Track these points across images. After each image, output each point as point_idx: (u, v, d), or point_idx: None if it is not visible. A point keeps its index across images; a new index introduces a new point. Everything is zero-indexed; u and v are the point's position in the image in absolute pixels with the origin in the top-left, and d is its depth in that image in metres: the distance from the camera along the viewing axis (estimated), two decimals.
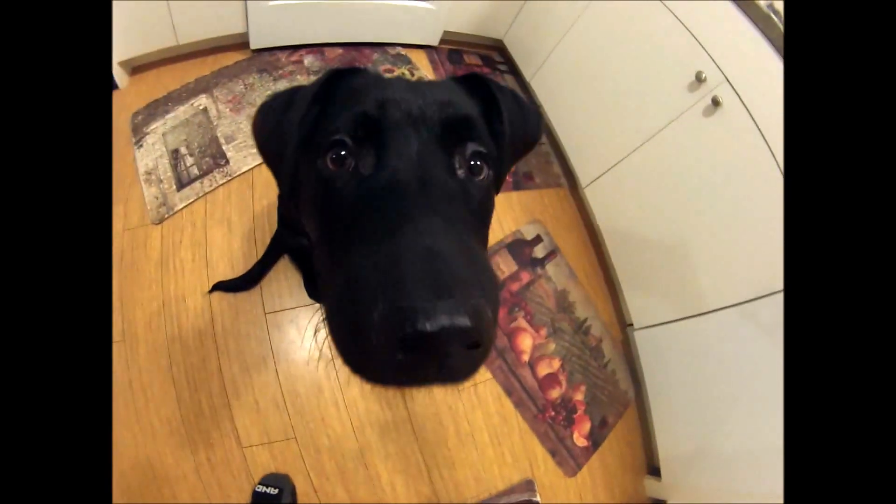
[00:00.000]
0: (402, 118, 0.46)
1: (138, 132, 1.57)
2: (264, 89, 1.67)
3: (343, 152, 0.46)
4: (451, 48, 1.97)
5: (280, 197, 1.24)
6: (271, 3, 1.61)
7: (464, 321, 0.31)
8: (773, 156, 1.07)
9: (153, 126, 1.59)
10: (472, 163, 0.48)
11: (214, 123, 1.60)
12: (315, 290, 1.37)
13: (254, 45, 1.72)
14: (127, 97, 1.65)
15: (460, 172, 0.47)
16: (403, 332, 0.31)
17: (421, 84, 0.53)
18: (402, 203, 0.39)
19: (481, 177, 0.49)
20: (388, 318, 0.31)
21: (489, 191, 0.51)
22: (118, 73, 1.64)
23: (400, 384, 0.37)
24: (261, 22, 1.67)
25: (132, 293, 1.32)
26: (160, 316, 1.30)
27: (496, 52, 2.06)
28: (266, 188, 1.50)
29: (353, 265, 0.37)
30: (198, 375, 1.26)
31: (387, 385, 0.38)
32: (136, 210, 1.43)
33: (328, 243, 0.46)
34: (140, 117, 1.60)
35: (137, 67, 1.71)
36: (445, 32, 1.93)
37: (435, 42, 1.92)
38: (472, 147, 0.48)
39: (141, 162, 1.51)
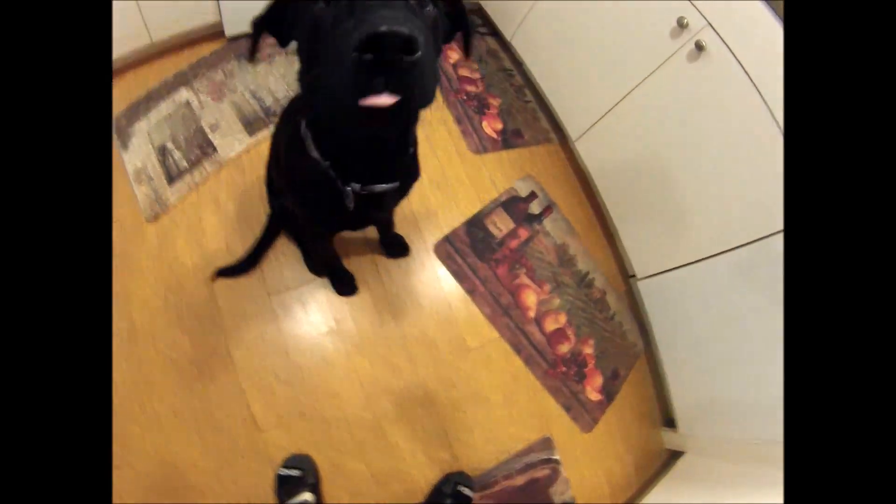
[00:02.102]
0: None
1: (122, 134, 1.57)
2: (244, 74, 1.66)
3: None
4: None
5: (268, 165, 1.25)
6: None
7: (404, 28, 0.46)
8: (762, 96, 1.06)
9: (137, 126, 1.58)
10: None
11: (198, 114, 1.59)
12: (315, 265, 1.37)
13: (228, 32, 1.70)
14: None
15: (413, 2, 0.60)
16: (363, 35, 0.46)
17: None
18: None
19: (427, 9, 0.63)
20: (352, 35, 0.48)
21: (436, 22, 0.65)
22: None
23: (364, 93, 0.51)
24: (233, 9, 1.65)
25: (134, 291, 1.33)
26: (165, 310, 1.32)
27: (475, 15, 2.03)
28: (253, 168, 1.50)
29: (333, 46, 0.53)
30: (209, 364, 1.28)
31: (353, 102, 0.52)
32: (129, 210, 1.44)
33: (311, 60, 0.64)
34: (123, 119, 1.60)
35: (115, 70, 1.69)
36: None
37: None
38: None
39: (129, 163, 1.51)
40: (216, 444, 1.22)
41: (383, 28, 0.46)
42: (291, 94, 1.52)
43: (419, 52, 0.49)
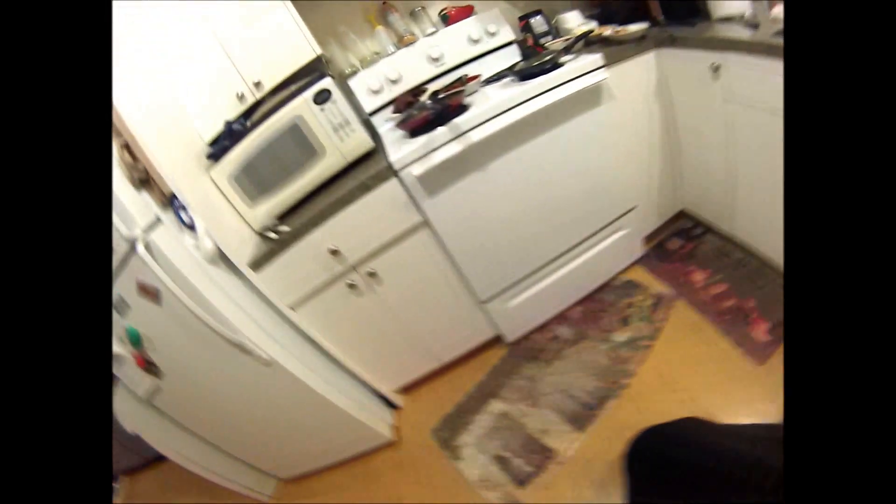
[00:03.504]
0: None
1: (449, 446, 1.85)
2: (544, 376, 1.91)
3: None
4: (652, 247, 2.14)
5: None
6: (511, 304, 1.95)
7: None
8: None
9: (462, 439, 1.86)
10: None
11: (521, 422, 1.81)
12: None
13: (510, 339, 2.05)
14: (411, 414, 2.04)
15: None
16: None
17: None
18: None
19: None
20: None
21: None
22: (393, 397, 2.04)
23: None
24: (509, 321, 2.01)
25: None
26: None
27: (684, 220, 2.20)
28: (598, 458, 1.63)
29: None
30: None
31: None
32: None
33: None
34: (443, 433, 1.90)
35: (408, 386, 2.11)
36: (643, 239, 2.14)
37: (640, 252, 2.13)
38: None
39: (468, 472, 1.75)
40: None
41: None
42: (600, 384, 1.79)
43: None
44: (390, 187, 1.62)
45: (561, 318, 2.06)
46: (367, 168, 1.73)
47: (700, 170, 1.98)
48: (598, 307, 2.02)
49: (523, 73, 1.74)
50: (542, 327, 2.07)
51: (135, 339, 1.52)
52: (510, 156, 1.68)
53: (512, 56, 2.16)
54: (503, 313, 1.97)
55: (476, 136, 1.58)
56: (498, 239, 1.81)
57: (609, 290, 2.06)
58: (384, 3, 2.11)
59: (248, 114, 1.83)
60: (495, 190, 1.71)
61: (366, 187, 1.61)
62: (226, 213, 1.74)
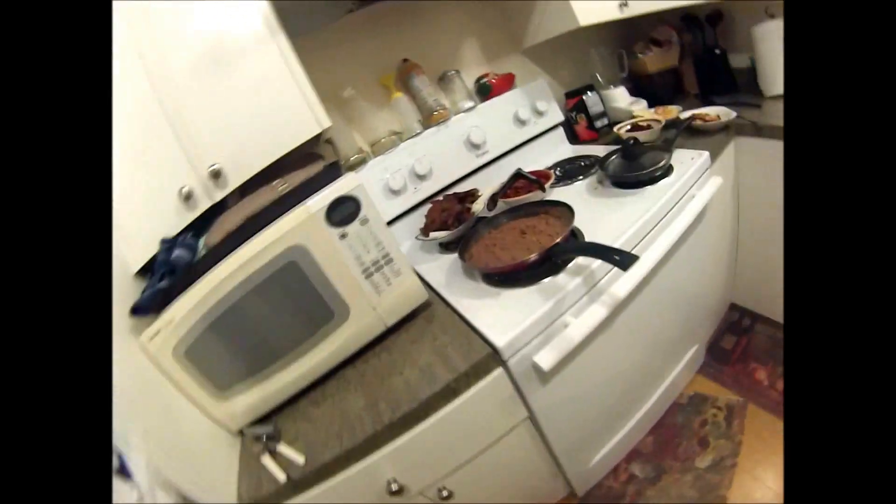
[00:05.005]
0: None
1: None
2: None
3: None
4: (708, 349, 1.89)
5: None
6: (591, 464, 1.55)
7: None
8: None
9: None
10: None
11: None
12: None
13: (581, 493, 1.63)
14: None
15: None
16: None
17: None
18: None
19: None
20: None
21: None
22: None
23: None
24: (583, 477, 1.59)
25: None
26: None
27: (734, 313, 1.99)
28: None
29: None
30: None
31: None
32: None
33: None
34: None
35: None
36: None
37: (702, 360, 1.84)
38: None
39: None
40: None
41: None
42: None
43: None
44: (489, 383, 1.03)
45: (633, 454, 1.70)
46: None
47: (751, 262, 1.79)
48: (671, 434, 1.71)
49: (624, 179, 1.29)
50: (613, 470, 1.69)
51: None
52: (636, 303, 1.23)
53: (557, 142, 1.69)
54: (582, 473, 1.54)
55: (621, 288, 1.09)
56: (596, 403, 1.37)
57: (678, 411, 1.76)
58: (405, 61, 1.43)
59: (201, 226, 1.07)
60: (609, 349, 1.25)
61: (450, 392, 1.01)
62: (181, 414, 1.01)
